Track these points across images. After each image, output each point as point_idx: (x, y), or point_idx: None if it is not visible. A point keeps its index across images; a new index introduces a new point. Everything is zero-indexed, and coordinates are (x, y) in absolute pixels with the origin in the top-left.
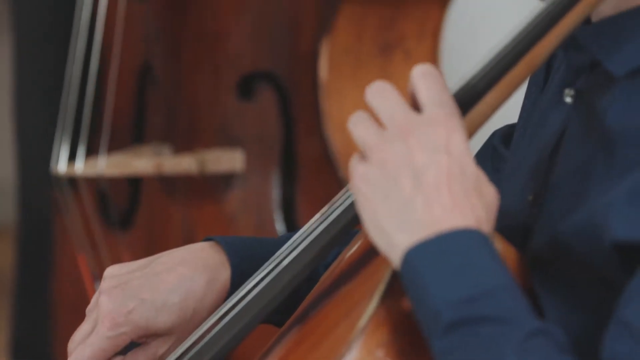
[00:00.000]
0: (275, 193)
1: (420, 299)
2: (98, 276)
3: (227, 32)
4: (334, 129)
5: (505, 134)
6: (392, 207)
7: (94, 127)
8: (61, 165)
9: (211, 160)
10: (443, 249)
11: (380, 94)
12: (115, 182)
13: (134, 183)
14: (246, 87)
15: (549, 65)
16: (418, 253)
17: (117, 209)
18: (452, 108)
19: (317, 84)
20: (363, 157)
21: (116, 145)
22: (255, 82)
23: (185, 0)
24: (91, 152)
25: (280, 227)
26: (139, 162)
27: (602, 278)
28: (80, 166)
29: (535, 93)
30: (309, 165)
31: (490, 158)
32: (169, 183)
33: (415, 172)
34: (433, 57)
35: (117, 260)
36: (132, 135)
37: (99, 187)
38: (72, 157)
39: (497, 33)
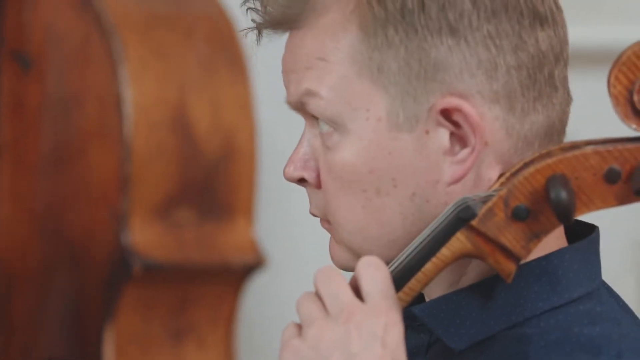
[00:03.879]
0: None
1: None
2: None
3: (20, 323)
4: None
5: None
6: None
7: None
8: None
9: None
10: None
11: (327, 278)
12: None
13: None
14: None
15: None
16: None
17: None
18: (394, 300)
19: None
20: (299, 330)
21: None
22: None
23: None
24: None
25: None
26: None
27: None
28: None
29: None
30: None
31: None
32: None
33: (348, 357)
34: (227, 344)
35: None
36: None
37: None
38: None
39: None
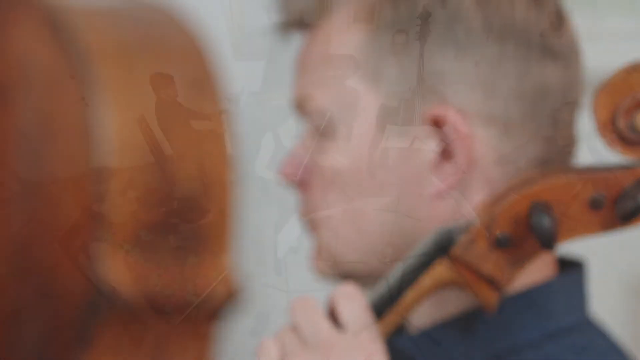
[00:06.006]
0: None
1: None
2: None
3: None
4: None
5: None
6: None
7: None
8: None
9: None
10: None
11: (303, 309)
12: None
13: None
14: None
15: None
16: None
17: None
18: (374, 332)
19: None
20: None
21: None
22: None
23: None
24: None
25: None
26: None
27: None
28: None
29: None
30: None
31: None
32: None
33: None
34: None
35: None
36: None
37: None
38: None
39: None
